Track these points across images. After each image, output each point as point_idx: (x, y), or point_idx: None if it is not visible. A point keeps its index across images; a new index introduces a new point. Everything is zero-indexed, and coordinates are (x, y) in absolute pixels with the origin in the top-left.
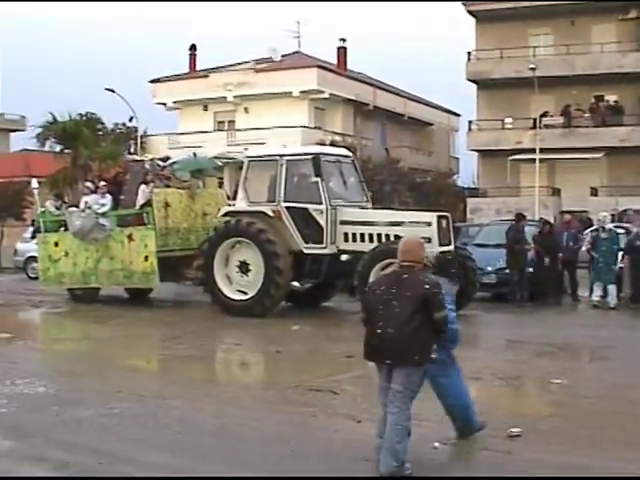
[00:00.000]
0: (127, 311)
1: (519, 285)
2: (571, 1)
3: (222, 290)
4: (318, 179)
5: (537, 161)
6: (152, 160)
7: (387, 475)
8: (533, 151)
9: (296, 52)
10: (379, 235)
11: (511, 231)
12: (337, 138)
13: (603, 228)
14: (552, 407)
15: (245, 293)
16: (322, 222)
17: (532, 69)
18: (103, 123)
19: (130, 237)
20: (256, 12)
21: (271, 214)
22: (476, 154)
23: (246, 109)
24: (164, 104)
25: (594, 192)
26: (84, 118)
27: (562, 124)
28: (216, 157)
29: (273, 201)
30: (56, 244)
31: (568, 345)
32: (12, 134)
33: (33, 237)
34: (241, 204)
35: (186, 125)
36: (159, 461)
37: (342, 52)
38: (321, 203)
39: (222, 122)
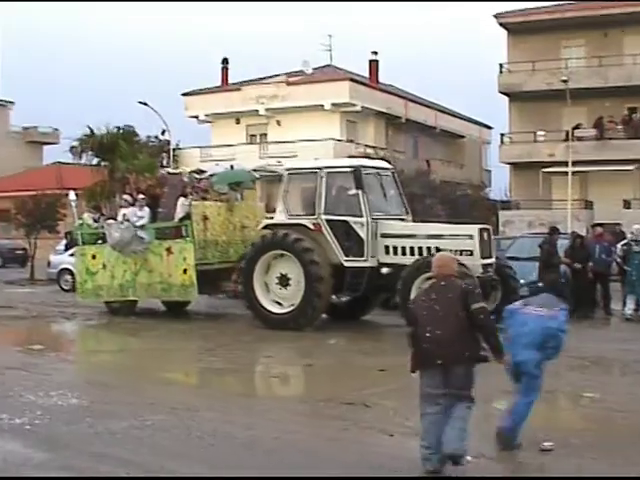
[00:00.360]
0: (160, 323)
1: None
2: (603, 13)
3: (262, 303)
4: (359, 191)
5: (569, 174)
6: (190, 173)
7: (455, 455)
8: (565, 164)
9: (328, 65)
10: (420, 248)
11: (545, 244)
12: (369, 151)
13: (636, 241)
14: (584, 421)
15: (285, 306)
16: (363, 235)
17: (564, 81)
18: (139, 136)
19: (169, 250)
20: (288, 26)
21: (311, 227)
22: (508, 167)
23: (278, 122)
24: (196, 117)
25: (627, 204)
26: (121, 131)
27: (595, 136)
28: (254, 169)
29: (313, 214)
30: (94, 257)
31: (600, 359)
32: (45, 147)
33: (66, 249)
34: (280, 217)
35: (218, 138)
36: (191, 473)
37: (374, 65)
38: (362, 216)
39: (254, 135)
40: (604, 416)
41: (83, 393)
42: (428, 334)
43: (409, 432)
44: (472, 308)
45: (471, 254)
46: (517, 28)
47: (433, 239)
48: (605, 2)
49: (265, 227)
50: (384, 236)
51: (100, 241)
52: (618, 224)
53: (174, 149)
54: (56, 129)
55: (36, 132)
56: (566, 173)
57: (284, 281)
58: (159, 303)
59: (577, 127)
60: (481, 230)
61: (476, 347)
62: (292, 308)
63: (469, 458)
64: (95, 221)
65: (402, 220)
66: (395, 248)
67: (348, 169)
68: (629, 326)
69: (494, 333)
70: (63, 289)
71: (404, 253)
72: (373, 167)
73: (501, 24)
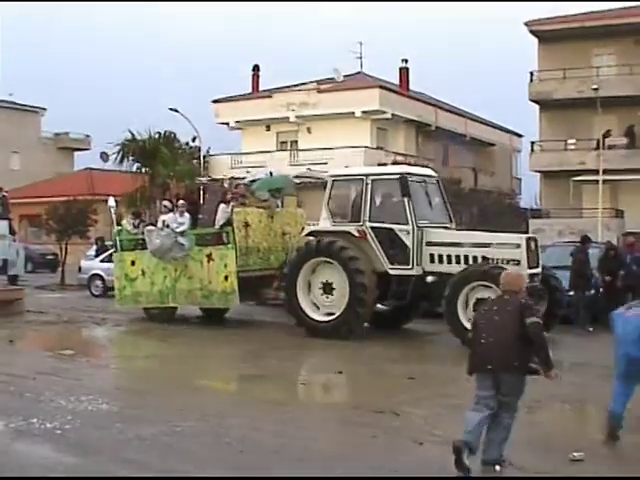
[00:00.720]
0: (191, 330)
1: (583, 308)
2: (633, 21)
3: (305, 311)
4: (405, 199)
5: (600, 182)
6: (231, 179)
7: (491, 462)
8: (596, 172)
9: (358, 72)
10: (466, 257)
11: (577, 253)
12: (399, 158)
13: None
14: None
15: (330, 314)
16: (408, 243)
17: (595, 89)
18: (180, 142)
19: (209, 256)
20: (319, 33)
21: (356, 234)
22: (538, 175)
23: (309, 129)
24: (227, 124)
25: None
26: (163, 136)
27: (626, 145)
28: (296, 176)
29: (357, 221)
30: (133, 263)
31: None
32: (76, 153)
33: (97, 255)
34: (324, 224)
35: (248, 145)
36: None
37: (404, 72)
38: (407, 223)
39: (285, 142)
40: (636, 426)
41: (113, 398)
42: (483, 340)
43: (438, 440)
44: (527, 322)
45: (518, 264)
46: (548, 36)
47: (479, 248)
48: (635, 10)
49: (309, 234)
50: (429, 244)
51: (139, 247)
52: None
53: (204, 156)
54: (87, 135)
55: (67, 138)
56: (597, 182)
57: (328, 289)
58: (191, 310)
59: (607, 134)
60: (528, 239)
61: (526, 359)
62: (335, 316)
63: (498, 468)
64: (135, 227)
65: (446, 228)
66: (440, 256)
67: (394, 176)
68: None
69: (545, 347)
70: (93, 294)
71: (449, 262)
72: (419, 174)
73: (532, 32)
